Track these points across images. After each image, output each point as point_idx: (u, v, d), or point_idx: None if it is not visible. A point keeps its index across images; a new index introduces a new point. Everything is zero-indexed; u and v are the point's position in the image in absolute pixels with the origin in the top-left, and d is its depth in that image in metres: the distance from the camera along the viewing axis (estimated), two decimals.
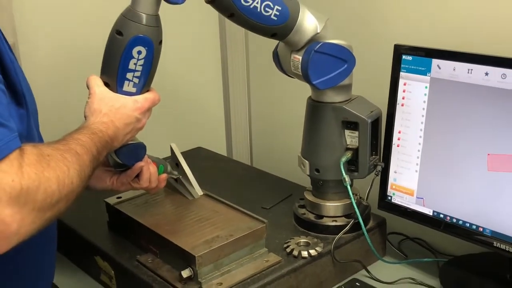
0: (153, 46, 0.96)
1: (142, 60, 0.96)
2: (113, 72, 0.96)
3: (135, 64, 0.96)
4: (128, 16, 0.94)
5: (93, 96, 0.97)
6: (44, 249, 0.98)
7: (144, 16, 0.94)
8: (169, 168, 1.16)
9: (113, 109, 0.96)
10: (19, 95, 0.87)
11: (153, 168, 1.08)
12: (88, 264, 1.22)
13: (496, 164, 1.02)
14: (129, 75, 0.96)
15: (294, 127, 1.60)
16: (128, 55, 0.95)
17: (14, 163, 0.72)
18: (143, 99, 0.99)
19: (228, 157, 1.76)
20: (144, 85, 0.99)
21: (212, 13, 1.07)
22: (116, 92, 0.98)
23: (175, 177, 1.20)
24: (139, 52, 0.95)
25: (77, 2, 1.43)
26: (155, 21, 0.96)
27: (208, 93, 1.75)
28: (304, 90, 1.20)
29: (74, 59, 1.44)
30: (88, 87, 0.99)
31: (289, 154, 1.63)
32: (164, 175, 1.12)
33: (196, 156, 1.61)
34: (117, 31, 0.95)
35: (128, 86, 0.97)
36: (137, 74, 0.97)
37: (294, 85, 1.23)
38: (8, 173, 0.71)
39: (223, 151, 1.79)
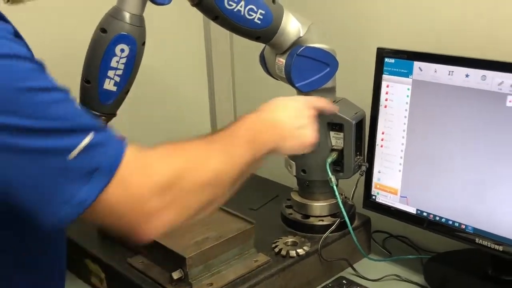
0: (136, 46, 0.97)
1: (125, 59, 0.97)
2: (95, 69, 0.97)
3: (117, 62, 0.97)
4: (113, 14, 0.96)
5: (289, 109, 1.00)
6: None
7: (128, 15, 0.96)
8: None
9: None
10: None
11: None
12: (79, 267, 1.23)
13: (477, 162, 1.05)
14: (110, 73, 0.97)
15: None
16: (111, 52, 0.96)
17: (138, 162, 0.73)
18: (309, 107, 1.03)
19: None
20: (125, 85, 1.00)
21: (197, 15, 1.09)
22: (97, 89, 0.98)
23: None
24: (122, 50, 0.96)
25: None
26: (140, 21, 0.97)
27: (193, 94, 1.76)
28: (289, 92, 1.22)
29: (62, 56, 1.43)
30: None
31: (274, 155, 1.65)
32: None
33: None
34: (101, 29, 0.96)
35: (108, 84, 0.98)
36: (119, 72, 0.98)
37: (280, 87, 1.25)
38: (135, 174, 0.72)
39: None
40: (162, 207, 0.72)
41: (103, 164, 0.68)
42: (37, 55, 0.73)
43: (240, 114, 1.77)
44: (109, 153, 0.69)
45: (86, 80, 0.99)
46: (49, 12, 1.37)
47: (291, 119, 0.98)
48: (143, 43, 0.99)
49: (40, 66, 0.70)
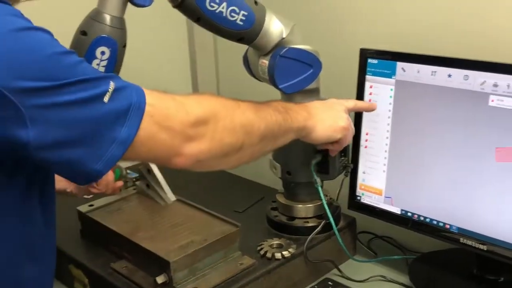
0: (117, 48, 0.96)
1: (105, 61, 0.96)
2: None
3: (98, 64, 0.96)
4: (93, 17, 0.95)
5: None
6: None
7: (109, 17, 0.95)
8: (124, 171, 1.20)
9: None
10: None
11: (110, 175, 1.13)
12: (61, 272, 1.21)
13: (460, 162, 1.05)
14: None
15: None
16: (91, 55, 0.95)
17: (159, 96, 0.83)
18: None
19: None
20: None
21: (180, 17, 1.08)
22: None
23: (128, 180, 1.24)
24: (103, 53, 0.95)
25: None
26: (120, 23, 0.96)
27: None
28: (273, 94, 1.22)
29: None
30: None
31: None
32: (119, 183, 1.17)
33: None
34: (81, 31, 0.95)
35: None
36: None
37: (265, 87, 1.25)
38: (169, 107, 0.82)
39: None
40: (197, 135, 0.81)
41: (133, 102, 0.76)
42: None
43: None
44: (133, 92, 0.77)
45: None
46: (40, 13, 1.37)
47: (325, 106, 1.06)
48: (124, 45, 0.98)
49: (51, 35, 0.75)
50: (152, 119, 0.77)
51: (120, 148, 0.75)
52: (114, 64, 0.97)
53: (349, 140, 1.11)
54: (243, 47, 1.18)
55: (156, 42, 1.64)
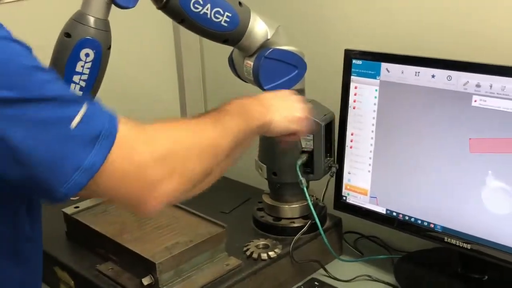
0: (101, 50, 0.96)
1: (90, 63, 0.96)
2: (60, 74, 0.95)
3: (82, 67, 0.95)
4: (77, 19, 0.95)
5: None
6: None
7: (93, 19, 0.95)
8: None
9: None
10: None
11: None
12: (47, 274, 1.19)
13: (444, 161, 1.06)
14: (75, 78, 0.96)
15: None
16: (76, 57, 0.94)
17: (133, 128, 0.77)
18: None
19: None
20: (90, 89, 0.98)
21: (165, 17, 1.08)
22: None
23: None
24: (87, 55, 0.95)
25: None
26: (104, 25, 0.96)
27: (164, 97, 1.75)
28: (258, 93, 1.22)
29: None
30: None
31: (244, 158, 1.65)
32: None
33: None
34: (65, 33, 0.95)
35: (74, 89, 0.97)
36: (84, 77, 0.96)
37: (249, 90, 1.25)
38: (138, 140, 0.77)
39: None
40: (165, 174, 0.76)
41: (103, 130, 0.72)
42: None
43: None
44: (105, 120, 0.73)
45: None
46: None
47: (279, 96, 1.03)
48: (109, 47, 0.98)
49: (29, 50, 0.74)
50: (122, 152, 0.73)
51: (84, 176, 0.70)
52: (99, 66, 0.97)
53: (307, 131, 1.06)
54: (229, 48, 1.18)
55: (141, 43, 1.63)
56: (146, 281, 1.02)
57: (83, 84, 0.97)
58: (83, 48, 0.94)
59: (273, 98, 1.02)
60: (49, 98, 0.70)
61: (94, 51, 0.95)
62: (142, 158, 0.74)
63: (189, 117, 0.90)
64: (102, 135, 0.71)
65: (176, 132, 0.82)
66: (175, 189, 0.78)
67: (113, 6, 0.96)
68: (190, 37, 1.66)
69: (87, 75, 0.96)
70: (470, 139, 1.01)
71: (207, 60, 1.72)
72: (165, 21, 1.60)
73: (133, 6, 0.96)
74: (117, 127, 0.73)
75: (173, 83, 1.75)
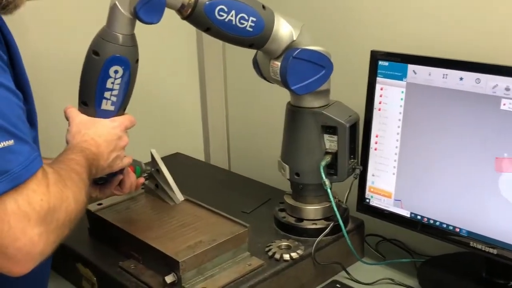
0: (130, 65, 0.97)
1: (119, 79, 0.97)
2: (91, 92, 0.97)
3: (113, 83, 0.97)
4: (104, 37, 0.95)
5: (72, 122, 0.98)
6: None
7: (120, 36, 0.95)
8: (143, 166, 1.20)
9: (92, 128, 0.97)
10: (31, 98, 0.89)
11: (132, 176, 1.12)
12: (69, 271, 1.21)
13: (471, 165, 1.05)
14: (107, 94, 0.97)
15: (270, 132, 1.62)
16: (105, 74, 0.95)
17: (42, 182, 0.74)
18: (121, 118, 1.01)
19: (206, 163, 1.77)
20: (122, 103, 1.00)
21: (189, 26, 1.08)
22: (95, 110, 0.98)
23: (148, 172, 1.23)
24: (116, 72, 0.96)
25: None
26: (131, 40, 0.97)
27: (185, 98, 1.75)
28: (280, 95, 1.22)
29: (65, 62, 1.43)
30: (67, 118, 1.00)
31: (265, 159, 1.65)
32: (141, 179, 1.15)
33: (174, 162, 1.61)
34: (93, 52, 0.96)
35: (106, 105, 0.98)
36: (115, 92, 0.98)
37: (271, 90, 1.25)
38: (37, 192, 0.73)
39: (201, 157, 1.80)
40: (44, 235, 0.73)
41: (14, 171, 0.71)
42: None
43: (232, 118, 1.77)
44: (22, 166, 0.72)
45: (83, 102, 0.99)
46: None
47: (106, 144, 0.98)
48: (137, 61, 0.99)
49: (1, 63, 0.74)
50: (20, 199, 0.71)
51: None
52: (129, 80, 0.98)
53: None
54: (250, 51, 1.17)
55: (164, 42, 1.63)
56: (169, 279, 1.02)
57: (114, 99, 0.98)
58: (112, 66, 0.95)
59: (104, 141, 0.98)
60: None
61: (122, 67, 0.96)
62: (29, 229, 0.72)
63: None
64: (11, 174, 0.70)
65: (53, 195, 0.77)
66: (48, 248, 0.75)
67: None
68: (212, 41, 1.67)
69: (117, 90, 0.98)
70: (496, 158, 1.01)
71: (229, 60, 1.72)
72: (188, 25, 1.62)
73: (157, 22, 0.96)
74: (30, 176, 0.72)
75: (194, 82, 1.75)
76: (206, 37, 1.65)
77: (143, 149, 1.25)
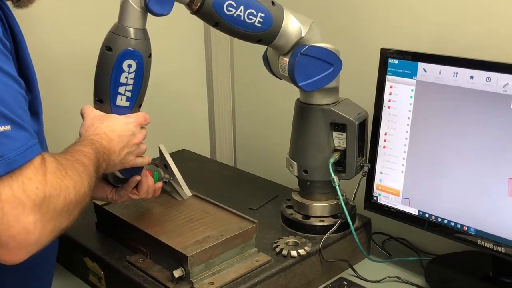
0: (143, 59, 0.97)
1: (133, 74, 0.97)
2: (106, 87, 0.97)
3: (126, 78, 0.97)
4: (116, 32, 0.96)
5: (87, 117, 0.98)
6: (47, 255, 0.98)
7: (132, 30, 0.95)
8: (162, 173, 1.19)
9: (106, 122, 0.96)
10: (35, 88, 0.89)
11: (150, 180, 1.11)
12: (76, 265, 1.21)
13: (480, 164, 1.05)
14: (121, 89, 0.98)
15: (276, 129, 1.62)
16: (119, 69, 0.96)
17: (39, 170, 0.73)
18: (135, 114, 1.01)
19: (213, 159, 1.77)
20: (136, 99, 1.00)
21: (197, 20, 1.08)
22: (110, 107, 0.99)
23: (167, 180, 1.21)
24: (129, 66, 0.96)
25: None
26: (143, 34, 0.97)
27: (191, 95, 1.75)
28: (287, 92, 1.22)
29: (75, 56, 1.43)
30: (82, 116, 0.99)
31: (271, 156, 1.65)
32: (159, 184, 1.14)
33: (181, 158, 1.61)
34: (106, 47, 0.96)
35: (121, 100, 0.98)
36: (129, 87, 0.98)
37: (278, 86, 1.25)
38: (33, 180, 0.72)
39: (207, 153, 1.80)
40: (39, 224, 0.72)
41: (9, 156, 0.70)
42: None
43: (238, 115, 1.77)
44: (16, 151, 0.71)
45: (99, 99, 0.99)
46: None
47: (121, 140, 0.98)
48: (150, 55, 0.99)
49: (4, 49, 0.73)
50: (11, 187, 0.70)
51: None
52: (142, 75, 0.98)
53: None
54: (260, 48, 1.17)
55: (171, 39, 1.63)
56: (177, 273, 1.02)
57: (129, 94, 0.99)
58: (125, 60, 0.95)
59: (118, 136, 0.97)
60: None
61: (136, 61, 0.96)
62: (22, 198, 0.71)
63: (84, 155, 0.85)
64: (4, 159, 0.70)
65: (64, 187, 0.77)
66: (46, 236, 0.74)
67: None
68: (220, 34, 1.67)
69: (131, 85, 0.98)
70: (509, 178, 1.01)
71: (237, 55, 1.72)
72: (196, 19, 1.62)
73: (168, 13, 0.97)
74: (21, 164, 0.71)
75: (201, 78, 1.75)
76: (214, 33, 1.68)
77: (150, 145, 1.23)
